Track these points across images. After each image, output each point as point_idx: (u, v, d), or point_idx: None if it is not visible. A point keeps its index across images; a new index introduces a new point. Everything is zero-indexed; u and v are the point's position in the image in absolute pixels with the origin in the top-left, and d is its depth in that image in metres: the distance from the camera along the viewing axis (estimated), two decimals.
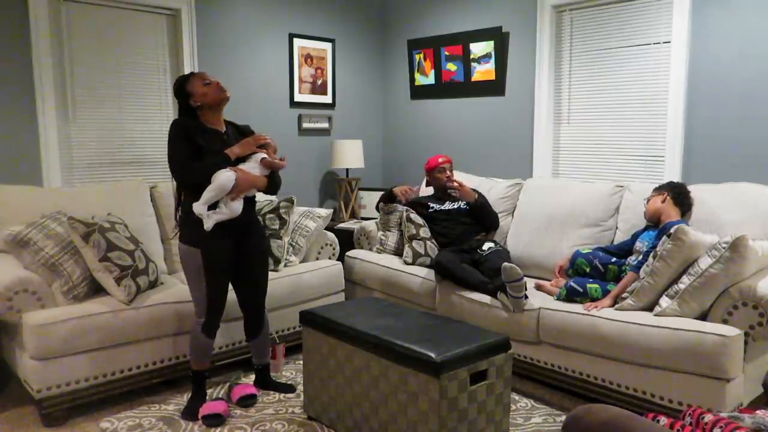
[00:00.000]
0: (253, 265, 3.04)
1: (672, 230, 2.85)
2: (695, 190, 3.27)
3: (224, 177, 2.77)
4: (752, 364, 2.72)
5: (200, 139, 2.80)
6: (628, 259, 3.23)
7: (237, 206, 2.83)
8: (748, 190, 3.19)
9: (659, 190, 3.25)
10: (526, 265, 3.77)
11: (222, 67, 4.48)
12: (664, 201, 3.16)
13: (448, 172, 4.03)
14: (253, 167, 2.89)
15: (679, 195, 3.18)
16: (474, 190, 4.08)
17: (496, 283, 3.31)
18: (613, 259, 3.26)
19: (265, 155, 2.92)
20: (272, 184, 2.98)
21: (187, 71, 4.28)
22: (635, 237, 3.29)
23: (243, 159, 2.90)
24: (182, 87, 2.86)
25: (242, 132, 3.03)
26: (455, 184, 3.90)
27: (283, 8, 4.86)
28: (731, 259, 2.66)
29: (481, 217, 3.92)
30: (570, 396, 3.21)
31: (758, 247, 2.76)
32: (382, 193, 5.06)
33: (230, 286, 3.04)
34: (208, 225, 2.76)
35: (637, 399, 2.84)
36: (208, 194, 2.76)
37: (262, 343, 3.23)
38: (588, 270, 3.27)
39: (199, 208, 2.77)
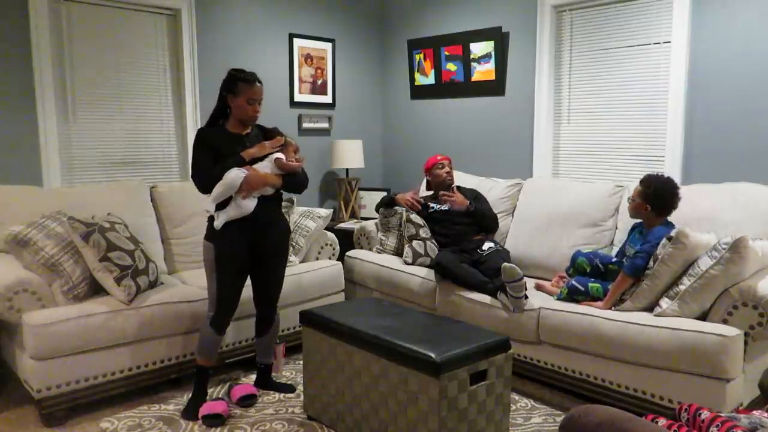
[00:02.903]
0: (267, 264, 3.07)
1: (673, 233, 2.84)
2: (695, 190, 3.26)
3: (232, 174, 2.82)
4: (752, 365, 2.72)
5: (220, 145, 2.89)
6: (625, 260, 3.21)
7: (248, 204, 2.87)
8: (747, 190, 3.19)
9: (643, 198, 3.07)
10: (526, 265, 3.77)
11: (222, 67, 4.43)
12: (646, 210, 3.07)
13: (447, 168, 4.03)
14: (266, 166, 2.93)
15: (662, 207, 3.06)
16: (471, 191, 4.08)
17: (496, 283, 3.32)
18: (614, 259, 3.26)
19: (280, 155, 2.95)
20: (292, 183, 3.02)
21: (187, 71, 4.29)
22: (631, 232, 3.29)
23: (260, 158, 2.94)
24: (232, 86, 2.89)
25: (267, 133, 3.07)
26: (449, 197, 3.92)
27: (283, 8, 4.86)
28: (731, 260, 2.66)
29: (479, 221, 3.91)
30: (570, 396, 3.21)
31: (758, 248, 2.76)
32: (382, 194, 5.09)
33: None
34: (217, 223, 2.86)
35: (637, 399, 2.84)
36: (216, 191, 2.83)
37: (269, 342, 3.25)
38: (589, 269, 3.27)
39: (207, 205, 2.89)
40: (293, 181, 3.02)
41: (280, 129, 3.14)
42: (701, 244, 2.80)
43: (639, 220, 3.20)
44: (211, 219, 2.95)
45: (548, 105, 4.36)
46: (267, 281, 3.13)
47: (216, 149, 2.88)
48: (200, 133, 2.93)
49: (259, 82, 2.92)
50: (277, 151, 2.97)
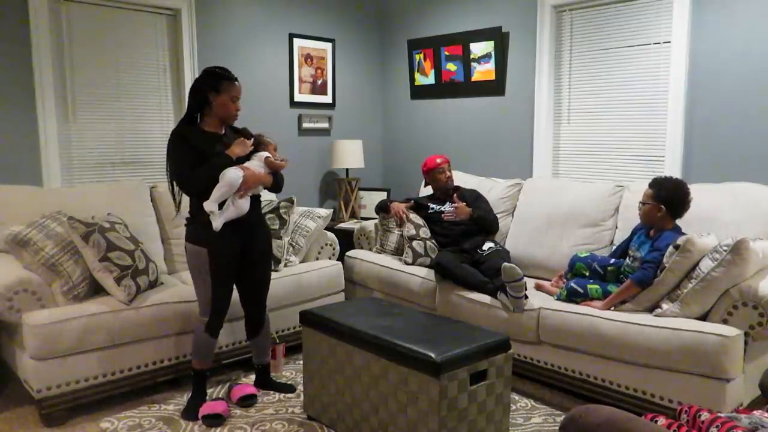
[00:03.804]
0: (256, 264, 3.06)
1: (680, 242, 2.83)
2: (695, 190, 3.26)
3: (233, 174, 2.79)
4: (752, 364, 2.72)
5: (200, 145, 2.82)
6: (626, 260, 3.21)
7: (245, 204, 2.86)
8: (748, 190, 3.19)
9: (657, 200, 3.04)
10: (526, 265, 3.77)
11: None
12: (660, 212, 3.05)
13: (447, 172, 4.03)
14: (258, 165, 2.92)
15: (676, 209, 3.04)
16: (473, 191, 4.08)
17: (496, 283, 3.32)
18: (612, 260, 3.25)
19: (268, 154, 2.95)
20: (276, 183, 3.02)
21: (187, 71, 4.29)
22: (633, 234, 3.28)
23: (246, 158, 2.92)
24: (215, 84, 2.84)
25: (238, 133, 3.03)
26: (452, 210, 3.89)
27: (283, 8, 4.86)
28: (732, 262, 2.66)
29: (480, 226, 3.90)
30: (570, 396, 3.21)
31: (759, 249, 2.76)
32: (382, 194, 5.10)
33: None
34: (217, 224, 2.78)
35: (637, 399, 2.84)
36: (218, 191, 2.77)
37: (263, 343, 3.24)
38: (588, 274, 3.27)
39: (210, 205, 2.77)
40: (277, 180, 3.02)
41: (279, 129, 3.15)
42: (706, 249, 2.80)
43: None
44: (191, 222, 2.90)
45: (548, 105, 4.36)
46: (257, 282, 3.10)
47: (197, 149, 2.81)
48: (179, 133, 2.84)
49: (237, 80, 2.92)
50: (261, 150, 2.98)
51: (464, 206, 3.89)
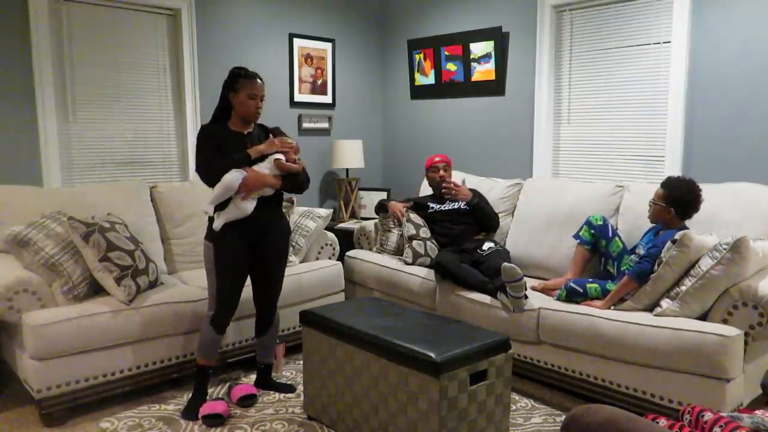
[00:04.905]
0: (267, 264, 3.08)
1: (677, 236, 2.84)
2: None
3: (230, 176, 2.82)
4: (752, 364, 2.72)
5: (224, 142, 2.89)
6: (631, 256, 3.21)
7: (247, 206, 2.87)
8: (748, 190, 3.19)
9: (667, 201, 3.05)
10: (526, 265, 3.77)
11: (222, 67, 4.46)
12: (669, 214, 3.06)
13: (441, 171, 4.03)
14: (265, 167, 2.93)
15: (685, 211, 3.05)
16: (473, 191, 4.08)
17: (496, 283, 3.32)
18: (622, 236, 3.32)
19: (280, 156, 2.95)
20: (293, 184, 3.01)
21: (187, 71, 4.29)
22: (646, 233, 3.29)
23: (260, 158, 2.95)
24: (233, 83, 2.90)
25: (269, 132, 3.07)
26: (450, 185, 3.93)
27: (283, 8, 4.86)
28: (732, 260, 2.66)
29: (480, 218, 3.91)
30: (570, 396, 3.21)
31: (759, 248, 2.76)
32: (382, 194, 5.10)
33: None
34: (216, 225, 2.86)
35: (637, 399, 2.84)
36: (215, 193, 2.84)
37: (269, 342, 3.26)
38: (600, 223, 3.31)
39: (206, 207, 2.89)
40: (294, 181, 3.01)
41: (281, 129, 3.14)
42: (705, 247, 2.80)
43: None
44: (211, 219, 2.96)
45: (548, 105, 4.36)
46: (267, 281, 3.13)
47: (221, 146, 2.89)
48: (205, 130, 2.93)
49: (260, 79, 2.95)
50: (280, 152, 2.98)
51: (464, 187, 3.94)
